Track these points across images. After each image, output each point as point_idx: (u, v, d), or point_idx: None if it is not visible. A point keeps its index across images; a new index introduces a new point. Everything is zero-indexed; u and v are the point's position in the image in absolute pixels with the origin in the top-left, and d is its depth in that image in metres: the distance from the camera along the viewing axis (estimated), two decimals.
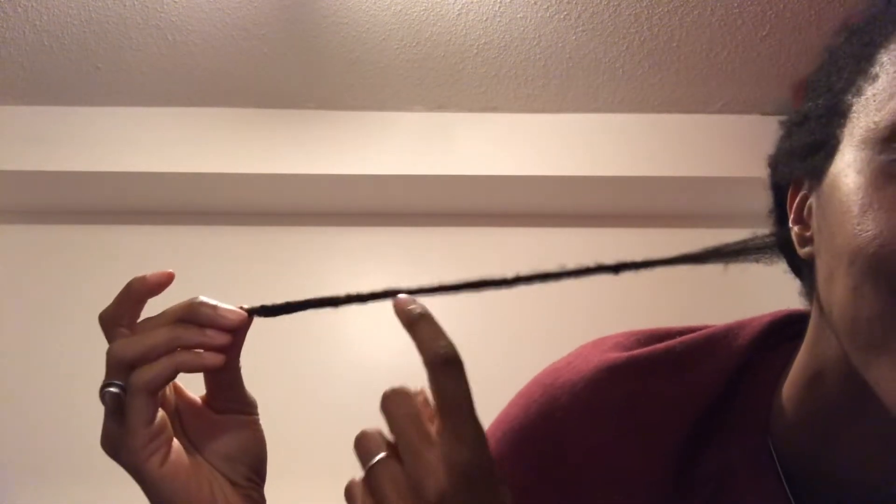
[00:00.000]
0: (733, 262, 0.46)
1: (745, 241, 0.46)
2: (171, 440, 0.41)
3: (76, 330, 1.68)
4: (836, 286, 0.36)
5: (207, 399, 0.45)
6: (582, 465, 0.47)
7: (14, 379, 1.67)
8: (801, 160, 0.42)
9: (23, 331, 1.71)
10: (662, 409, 0.46)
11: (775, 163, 0.46)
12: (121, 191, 1.71)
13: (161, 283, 0.43)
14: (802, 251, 0.42)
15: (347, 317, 1.74)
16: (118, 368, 0.40)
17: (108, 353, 0.40)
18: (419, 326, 0.38)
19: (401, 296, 0.40)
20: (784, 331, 0.48)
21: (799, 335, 0.46)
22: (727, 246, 0.46)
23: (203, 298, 0.42)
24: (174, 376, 0.40)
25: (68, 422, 1.62)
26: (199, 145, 1.66)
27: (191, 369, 0.41)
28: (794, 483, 0.44)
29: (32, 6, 1.41)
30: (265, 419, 0.50)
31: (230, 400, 0.45)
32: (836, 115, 0.40)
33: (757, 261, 0.46)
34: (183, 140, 1.66)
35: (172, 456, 0.41)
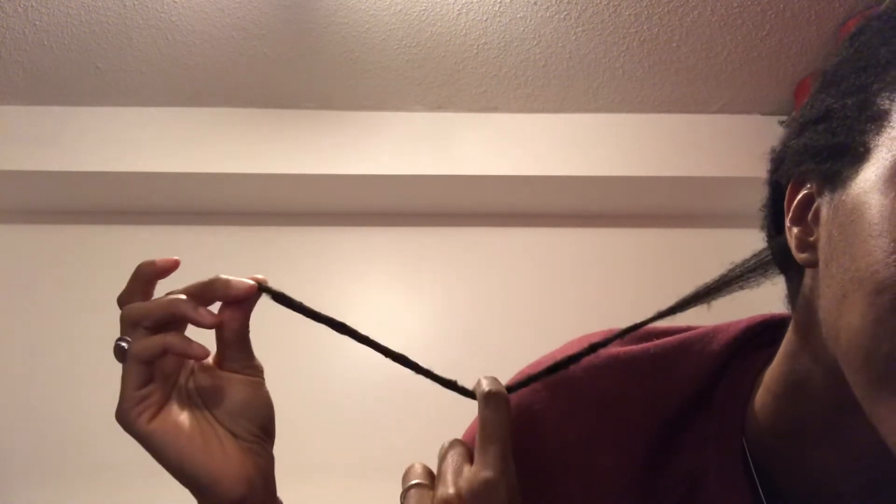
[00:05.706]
0: (715, 299, 0.46)
1: (723, 276, 0.45)
2: (162, 401, 0.47)
3: (77, 329, 1.68)
4: (851, 311, 0.34)
5: (217, 361, 0.50)
6: (557, 458, 0.48)
7: (15, 378, 1.67)
8: (815, 162, 0.38)
9: (23, 330, 1.71)
10: (636, 410, 0.47)
11: (780, 159, 0.43)
12: (121, 191, 1.71)
13: (167, 268, 0.49)
14: (800, 256, 0.39)
15: (349, 319, 1.74)
16: (125, 326, 0.46)
17: (121, 315, 0.47)
18: (480, 381, 0.47)
19: (484, 380, 0.47)
20: (761, 336, 0.48)
21: (776, 341, 0.45)
22: (706, 286, 0.46)
23: (222, 275, 0.48)
24: (164, 353, 0.46)
25: (70, 421, 1.62)
26: (199, 145, 1.66)
27: (177, 353, 0.46)
28: (769, 486, 0.44)
29: (32, 6, 1.41)
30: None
31: (237, 362, 0.50)
32: (868, 120, 0.36)
33: (741, 288, 0.45)
34: (183, 140, 1.66)
35: (162, 414, 0.46)
